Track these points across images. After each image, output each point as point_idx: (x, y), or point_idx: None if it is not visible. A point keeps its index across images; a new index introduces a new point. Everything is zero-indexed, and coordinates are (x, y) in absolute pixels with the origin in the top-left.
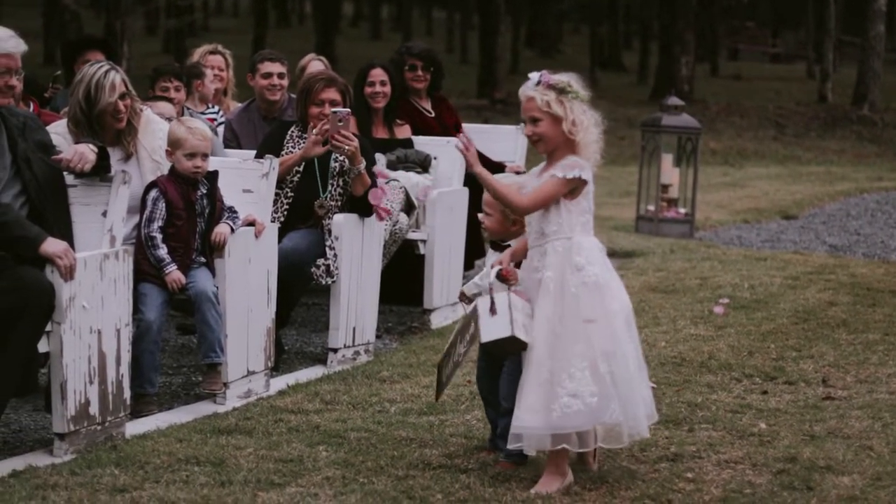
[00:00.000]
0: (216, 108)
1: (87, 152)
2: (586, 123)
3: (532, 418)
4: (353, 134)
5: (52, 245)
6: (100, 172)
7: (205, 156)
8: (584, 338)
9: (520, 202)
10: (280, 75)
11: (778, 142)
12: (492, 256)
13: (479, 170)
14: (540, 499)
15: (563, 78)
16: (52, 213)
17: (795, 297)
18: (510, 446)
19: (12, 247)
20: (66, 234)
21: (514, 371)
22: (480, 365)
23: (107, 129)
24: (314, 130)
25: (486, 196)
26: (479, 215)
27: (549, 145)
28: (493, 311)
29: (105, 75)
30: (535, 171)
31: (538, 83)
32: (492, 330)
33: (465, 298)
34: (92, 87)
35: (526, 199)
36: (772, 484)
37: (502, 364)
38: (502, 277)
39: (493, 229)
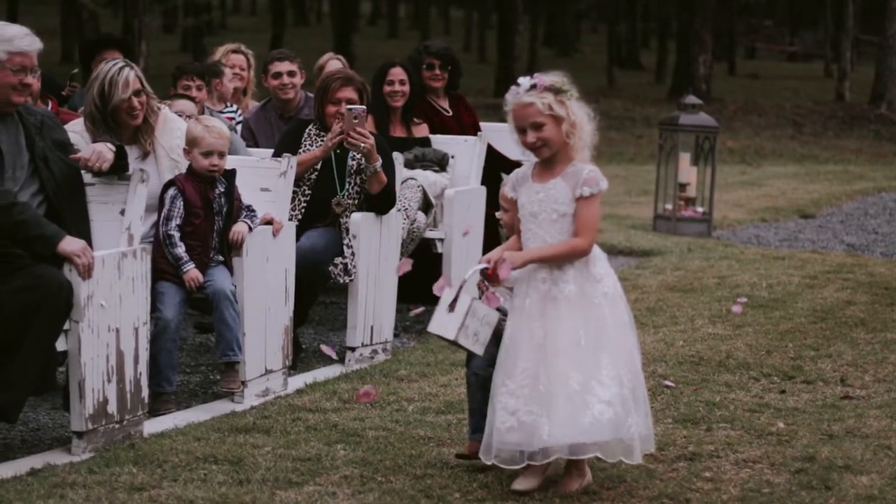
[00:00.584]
0: (234, 108)
1: (104, 151)
2: (583, 122)
3: (564, 433)
4: (371, 132)
5: (69, 244)
6: (117, 171)
7: (221, 154)
8: (607, 348)
9: (581, 246)
10: (290, 73)
11: (795, 141)
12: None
13: (529, 256)
14: (559, 497)
15: (555, 78)
16: (70, 212)
17: (813, 297)
18: (483, 457)
19: (30, 245)
20: (84, 233)
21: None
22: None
23: (123, 127)
24: (329, 136)
25: (502, 191)
26: (497, 213)
27: (553, 149)
28: (451, 308)
29: (119, 72)
30: (521, 174)
31: (531, 87)
32: (440, 324)
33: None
34: (106, 83)
35: (582, 240)
36: (790, 483)
37: None
38: (487, 277)
39: (512, 224)
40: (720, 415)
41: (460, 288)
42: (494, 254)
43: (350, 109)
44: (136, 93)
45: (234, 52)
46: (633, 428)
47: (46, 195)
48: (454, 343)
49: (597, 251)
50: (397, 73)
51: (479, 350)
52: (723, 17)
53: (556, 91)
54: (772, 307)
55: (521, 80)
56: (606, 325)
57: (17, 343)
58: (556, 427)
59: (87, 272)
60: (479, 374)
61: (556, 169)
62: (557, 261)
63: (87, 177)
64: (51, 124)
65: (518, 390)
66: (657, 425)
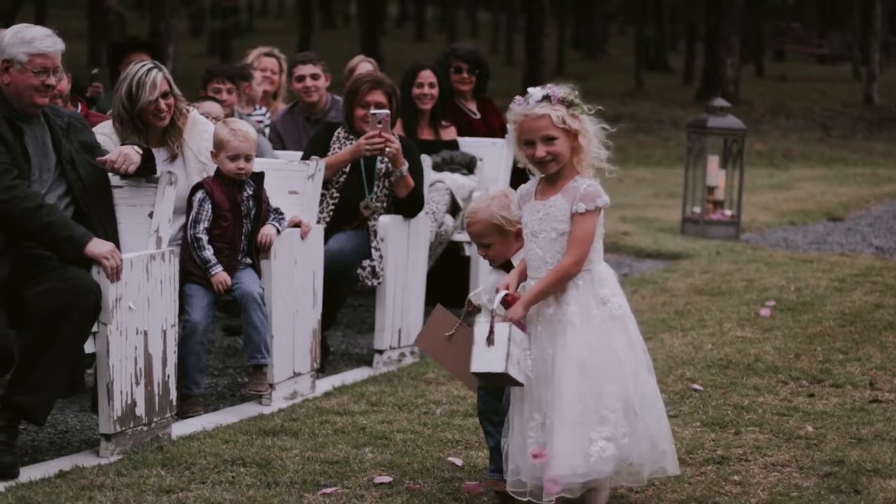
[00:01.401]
0: (263, 111)
1: (131, 154)
2: (592, 138)
3: (566, 465)
4: (399, 136)
5: (98, 246)
6: (145, 173)
7: (248, 157)
8: (614, 375)
9: (566, 266)
10: (314, 76)
11: (824, 143)
12: (492, 276)
13: (527, 300)
14: None
15: (566, 90)
16: (97, 214)
17: (842, 300)
18: (511, 489)
19: (58, 247)
20: (111, 235)
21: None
22: (482, 385)
23: (151, 129)
24: (363, 140)
25: (473, 228)
26: (479, 251)
27: (560, 164)
28: (490, 341)
29: (147, 74)
30: (525, 191)
31: (544, 99)
32: (485, 361)
33: (471, 306)
34: (133, 85)
35: (569, 259)
36: (819, 487)
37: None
38: (507, 304)
39: (500, 255)
40: (748, 418)
41: (493, 318)
42: (511, 279)
43: (374, 114)
44: (164, 94)
45: (267, 55)
46: (640, 457)
47: (74, 197)
48: (501, 379)
49: (605, 272)
50: (427, 76)
51: (524, 379)
52: (751, 19)
53: (569, 104)
54: (800, 310)
55: (531, 90)
56: (613, 349)
57: (45, 345)
58: (557, 460)
59: (115, 274)
60: (494, 419)
61: (557, 185)
62: (553, 291)
63: (114, 179)
64: (78, 126)
65: (529, 423)
66: (685, 428)
